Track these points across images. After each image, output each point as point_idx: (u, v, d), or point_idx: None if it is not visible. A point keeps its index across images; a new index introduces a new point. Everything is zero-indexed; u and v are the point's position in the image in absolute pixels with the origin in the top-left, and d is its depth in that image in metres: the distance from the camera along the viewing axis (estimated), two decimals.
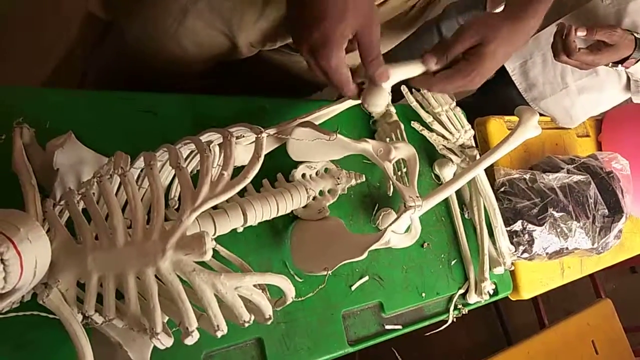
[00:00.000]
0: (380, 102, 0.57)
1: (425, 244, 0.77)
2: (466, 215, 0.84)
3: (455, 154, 0.81)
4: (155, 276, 0.40)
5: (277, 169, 0.63)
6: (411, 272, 0.74)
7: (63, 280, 0.39)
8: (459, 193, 0.84)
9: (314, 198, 0.64)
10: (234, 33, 0.63)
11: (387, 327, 0.69)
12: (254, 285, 0.43)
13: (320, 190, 0.65)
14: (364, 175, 0.69)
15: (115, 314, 0.40)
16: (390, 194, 0.74)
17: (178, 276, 0.40)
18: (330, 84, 0.53)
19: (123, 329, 0.44)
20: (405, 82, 0.60)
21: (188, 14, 0.60)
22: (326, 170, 0.67)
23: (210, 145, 0.47)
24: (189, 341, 0.40)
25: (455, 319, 0.78)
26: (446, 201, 0.82)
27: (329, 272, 0.56)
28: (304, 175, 0.64)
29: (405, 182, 0.73)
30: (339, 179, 0.66)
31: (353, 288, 0.67)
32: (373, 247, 0.56)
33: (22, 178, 0.40)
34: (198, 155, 0.54)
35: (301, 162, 0.64)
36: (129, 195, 0.40)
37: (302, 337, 0.61)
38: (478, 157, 0.81)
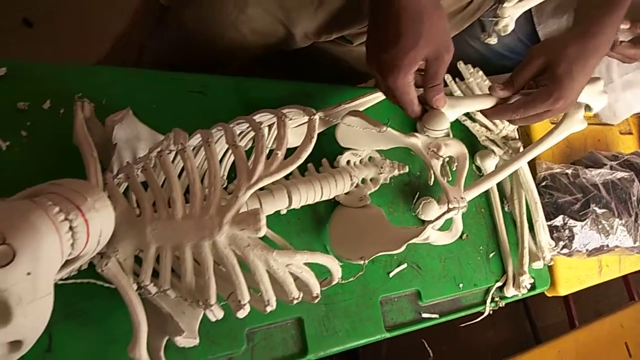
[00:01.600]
0: (438, 128, 0.57)
1: (465, 235, 0.76)
2: (506, 208, 0.83)
3: (498, 146, 0.81)
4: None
5: (322, 154, 0.63)
6: (449, 262, 0.74)
7: (122, 250, 0.41)
8: (499, 185, 0.83)
9: (357, 185, 0.64)
10: (292, 23, 0.64)
11: (424, 315, 0.70)
12: (304, 264, 0.44)
13: (363, 178, 0.65)
14: (407, 167, 0.69)
15: (170, 285, 0.42)
16: (431, 184, 0.74)
17: (232, 251, 0.41)
18: (393, 102, 0.54)
19: (174, 301, 0.46)
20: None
21: (249, 1, 0.61)
22: (370, 158, 0.67)
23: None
24: (241, 314, 0.41)
25: (491, 312, 0.77)
26: (486, 193, 0.82)
27: (365, 261, 0.56)
28: (348, 162, 0.64)
29: (448, 174, 0.72)
30: (382, 168, 0.66)
31: (391, 275, 0.67)
32: (412, 242, 0.56)
33: (83, 150, 0.42)
34: (247, 135, 0.55)
35: (347, 149, 0.64)
36: (188, 169, 0.41)
37: (341, 319, 0.62)
38: (521, 149, 0.80)
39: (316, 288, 0.44)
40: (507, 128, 0.81)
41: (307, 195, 0.57)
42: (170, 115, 0.57)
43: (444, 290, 0.72)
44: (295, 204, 0.57)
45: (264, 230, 0.39)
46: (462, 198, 0.55)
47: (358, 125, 0.54)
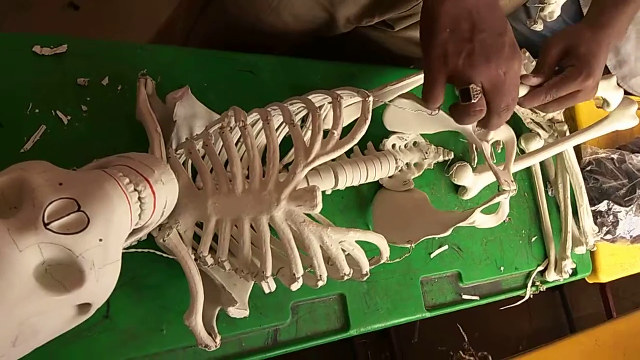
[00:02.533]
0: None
1: (507, 218, 0.76)
2: (550, 193, 0.82)
3: (543, 129, 0.79)
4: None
5: (367, 136, 0.63)
6: (491, 245, 0.74)
7: (183, 222, 0.43)
8: (543, 170, 0.82)
9: (401, 170, 0.64)
10: (334, 7, 0.64)
11: (465, 296, 0.70)
12: (355, 242, 0.45)
13: (407, 163, 0.66)
14: (452, 153, 0.69)
15: (227, 257, 0.43)
16: (474, 165, 0.74)
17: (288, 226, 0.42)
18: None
19: (226, 274, 0.47)
20: None
21: None
22: (415, 143, 0.67)
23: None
24: (294, 287, 0.43)
25: (531, 296, 0.77)
26: (530, 177, 0.81)
27: (413, 245, 0.57)
28: (393, 146, 0.65)
29: (493, 157, 0.72)
30: (426, 153, 0.66)
31: (432, 256, 0.68)
32: (458, 225, 0.56)
33: (148, 125, 0.44)
34: (297, 115, 0.56)
35: (392, 133, 0.64)
36: (248, 146, 0.42)
37: (382, 297, 0.63)
38: (567, 133, 0.79)
39: (366, 266, 0.45)
40: None
41: (353, 176, 0.58)
42: (220, 94, 0.58)
43: (484, 272, 0.72)
44: (341, 185, 0.58)
45: (320, 207, 0.40)
46: (512, 181, 0.55)
47: (409, 107, 0.55)
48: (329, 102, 0.54)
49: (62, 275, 0.33)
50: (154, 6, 1.26)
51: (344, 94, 0.51)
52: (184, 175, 0.43)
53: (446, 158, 0.68)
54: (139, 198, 0.36)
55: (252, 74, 0.61)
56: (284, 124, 0.54)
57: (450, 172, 0.70)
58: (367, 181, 0.60)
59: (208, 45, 0.76)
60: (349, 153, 0.61)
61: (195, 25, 0.78)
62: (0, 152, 0.46)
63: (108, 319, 0.47)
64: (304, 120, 0.57)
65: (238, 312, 0.48)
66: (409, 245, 0.56)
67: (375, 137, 0.64)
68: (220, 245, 0.42)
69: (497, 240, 0.74)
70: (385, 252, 0.48)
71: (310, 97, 0.50)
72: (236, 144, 0.49)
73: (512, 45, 0.48)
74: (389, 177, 0.64)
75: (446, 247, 0.69)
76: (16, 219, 0.32)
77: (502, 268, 0.74)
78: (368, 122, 0.45)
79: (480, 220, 0.58)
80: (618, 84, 0.72)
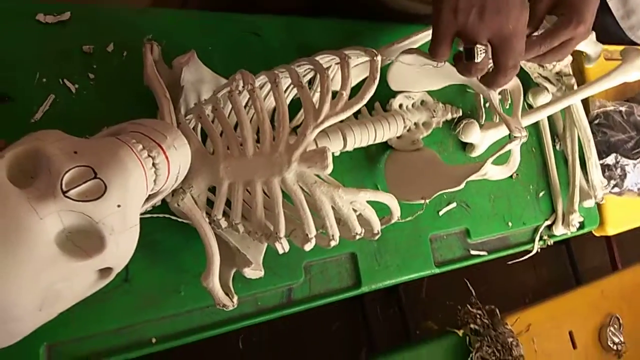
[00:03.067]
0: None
1: (514, 174, 0.76)
2: (558, 147, 0.82)
3: (551, 83, 0.79)
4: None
5: (374, 97, 0.63)
6: (498, 201, 0.74)
7: (196, 186, 0.43)
8: (551, 124, 0.82)
9: (409, 129, 0.64)
10: None
11: (473, 252, 0.71)
12: (366, 202, 0.45)
13: (415, 122, 0.65)
14: (460, 110, 0.68)
15: (240, 220, 0.44)
16: (482, 122, 0.73)
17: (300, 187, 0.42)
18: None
19: (240, 236, 0.48)
20: None
21: None
22: (422, 102, 0.67)
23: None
24: (308, 247, 0.44)
25: (539, 250, 0.78)
26: (538, 132, 0.81)
27: (427, 201, 0.57)
28: (400, 106, 0.64)
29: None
30: (434, 111, 0.66)
31: (441, 213, 0.69)
32: (470, 179, 0.56)
33: (156, 91, 0.44)
34: (305, 77, 0.56)
35: (398, 92, 0.64)
36: (257, 109, 0.42)
37: (392, 255, 0.64)
38: (575, 86, 0.78)
39: (377, 225, 0.46)
40: (560, 63, 0.79)
41: (361, 137, 0.58)
42: (225, 57, 0.58)
43: (492, 228, 0.73)
44: (349, 147, 0.58)
45: (330, 168, 0.41)
46: (522, 128, 0.55)
47: (415, 62, 0.54)
48: (337, 63, 0.53)
49: (83, 241, 0.34)
50: None
51: (352, 54, 0.50)
52: (194, 140, 0.43)
53: (454, 115, 0.68)
54: (153, 164, 0.36)
55: (257, 35, 0.60)
56: (291, 86, 0.54)
57: (458, 130, 0.70)
58: (376, 142, 0.61)
59: (209, 6, 0.74)
60: (356, 114, 0.61)
61: None
62: (12, 123, 0.46)
63: (127, 282, 0.48)
64: (311, 82, 0.57)
65: (253, 272, 0.49)
66: (423, 202, 0.57)
67: (383, 98, 0.63)
68: (234, 208, 0.43)
69: (504, 196, 0.75)
70: (396, 211, 0.48)
71: (317, 58, 0.50)
72: (244, 108, 0.49)
73: (523, 1, 0.48)
74: (398, 137, 0.64)
75: (454, 204, 0.70)
76: (34, 187, 0.32)
77: (509, 223, 0.75)
78: (376, 82, 0.45)
79: (491, 171, 0.58)
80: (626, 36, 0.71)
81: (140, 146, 0.36)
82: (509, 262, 0.79)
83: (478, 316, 0.83)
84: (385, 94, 0.63)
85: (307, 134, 0.41)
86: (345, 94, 0.43)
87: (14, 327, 0.34)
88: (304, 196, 0.42)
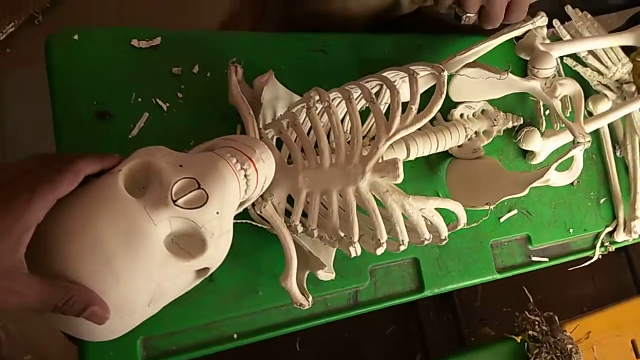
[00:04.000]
0: (546, 66, 0.61)
1: (575, 181, 0.77)
2: (618, 154, 0.82)
3: (611, 90, 0.79)
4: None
5: None
6: (559, 208, 0.75)
7: (277, 194, 0.47)
8: (611, 131, 0.82)
9: (470, 138, 0.66)
10: None
11: (534, 258, 0.72)
12: (434, 209, 0.48)
13: (476, 131, 0.68)
14: (521, 118, 0.70)
15: (317, 225, 0.48)
16: (542, 130, 0.74)
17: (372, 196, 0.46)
18: None
19: (313, 241, 0.52)
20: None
21: None
22: (483, 111, 0.69)
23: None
24: (379, 251, 0.47)
25: (600, 257, 0.78)
26: (598, 139, 0.81)
27: (492, 206, 0.59)
28: (462, 115, 0.67)
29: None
30: (495, 120, 0.68)
31: (502, 220, 0.70)
32: (534, 185, 0.58)
33: (241, 109, 0.48)
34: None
35: (459, 103, 0.66)
36: (333, 123, 0.46)
37: (454, 260, 0.66)
38: (636, 93, 0.78)
39: (444, 231, 0.49)
40: (620, 70, 0.79)
41: (424, 147, 0.61)
42: (296, 74, 0.62)
43: (553, 235, 0.74)
44: (412, 156, 0.61)
45: (401, 178, 0.44)
46: (586, 133, 0.57)
47: (478, 75, 0.56)
48: (401, 77, 0.56)
49: (187, 244, 0.39)
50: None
51: (418, 69, 0.53)
52: (276, 153, 0.47)
53: (515, 124, 0.70)
54: (245, 175, 0.41)
55: (324, 52, 0.64)
56: (358, 99, 0.57)
57: (519, 138, 0.71)
58: (437, 151, 0.63)
59: (279, 27, 0.79)
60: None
61: (261, 19, 0.81)
62: (113, 138, 0.52)
63: (212, 282, 0.53)
64: (376, 95, 0.60)
65: (326, 275, 0.53)
66: (487, 207, 0.58)
67: (443, 108, 0.64)
68: (311, 215, 0.47)
69: (566, 203, 0.76)
70: (463, 218, 0.51)
71: (384, 74, 0.53)
72: None
73: None
74: (459, 146, 0.66)
75: (515, 211, 0.71)
76: (148, 197, 0.37)
77: (571, 230, 0.75)
78: (444, 96, 0.48)
79: (554, 178, 0.60)
80: None
81: (235, 160, 0.40)
82: (570, 269, 0.79)
83: (536, 323, 0.84)
84: (446, 104, 0.65)
85: (379, 147, 0.44)
86: (415, 107, 0.46)
87: (128, 320, 0.39)
88: (376, 204, 0.45)
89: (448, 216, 0.51)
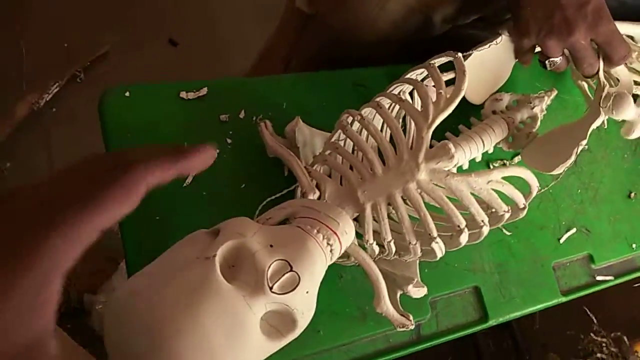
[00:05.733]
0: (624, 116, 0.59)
1: (632, 194, 0.74)
2: None
3: None
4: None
5: (466, 114, 0.63)
6: (619, 223, 0.72)
7: None
8: None
9: (517, 129, 0.63)
10: (431, 9, 0.66)
11: (599, 278, 0.69)
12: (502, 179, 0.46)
13: (520, 120, 0.63)
14: (555, 90, 0.67)
15: (392, 237, 0.46)
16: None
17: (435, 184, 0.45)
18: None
19: (391, 262, 0.51)
20: None
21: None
22: (514, 102, 0.65)
23: None
24: (463, 238, 0.45)
25: None
26: None
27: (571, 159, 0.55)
28: (494, 112, 0.63)
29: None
30: (530, 103, 0.63)
31: (561, 240, 0.68)
32: (593, 127, 0.57)
33: (282, 154, 0.49)
34: None
35: (483, 104, 0.64)
36: (372, 132, 0.47)
37: (516, 286, 0.64)
38: None
39: (521, 199, 0.47)
40: None
41: (470, 148, 0.57)
42: (338, 109, 0.62)
43: (616, 251, 0.71)
44: (462, 160, 0.57)
45: (457, 157, 0.43)
46: None
47: (480, 59, 0.58)
48: (417, 75, 0.56)
49: (276, 322, 0.38)
50: (247, 37, 1.34)
51: (436, 60, 0.53)
52: (330, 182, 0.47)
53: (552, 96, 0.66)
54: (331, 250, 0.41)
55: (364, 87, 0.65)
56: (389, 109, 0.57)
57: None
58: (486, 149, 0.59)
59: (312, 63, 0.81)
60: (456, 134, 0.60)
61: (295, 49, 0.83)
62: (167, 189, 0.53)
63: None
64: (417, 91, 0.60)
65: (417, 290, 0.50)
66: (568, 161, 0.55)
67: (473, 114, 0.64)
68: (382, 225, 0.46)
69: (624, 218, 0.73)
70: (534, 182, 0.49)
71: (408, 74, 0.54)
72: None
73: (596, 12, 0.54)
74: (511, 141, 0.63)
75: (574, 230, 0.69)
76: (244, 282, 0.36)
77: (634, 245, 0.72)
78: (466, 73, 0.47)
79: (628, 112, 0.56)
80: None
81: (321, 236, 0.40)
82: (635, 285, 0.75)
83: (604, 344, 0.80)
84: (474, 111, 0.64)
85: (423, 135, 0.44)
86: (443, 91, 0.46)
87: None
88: (441, 191, 0.44)
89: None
